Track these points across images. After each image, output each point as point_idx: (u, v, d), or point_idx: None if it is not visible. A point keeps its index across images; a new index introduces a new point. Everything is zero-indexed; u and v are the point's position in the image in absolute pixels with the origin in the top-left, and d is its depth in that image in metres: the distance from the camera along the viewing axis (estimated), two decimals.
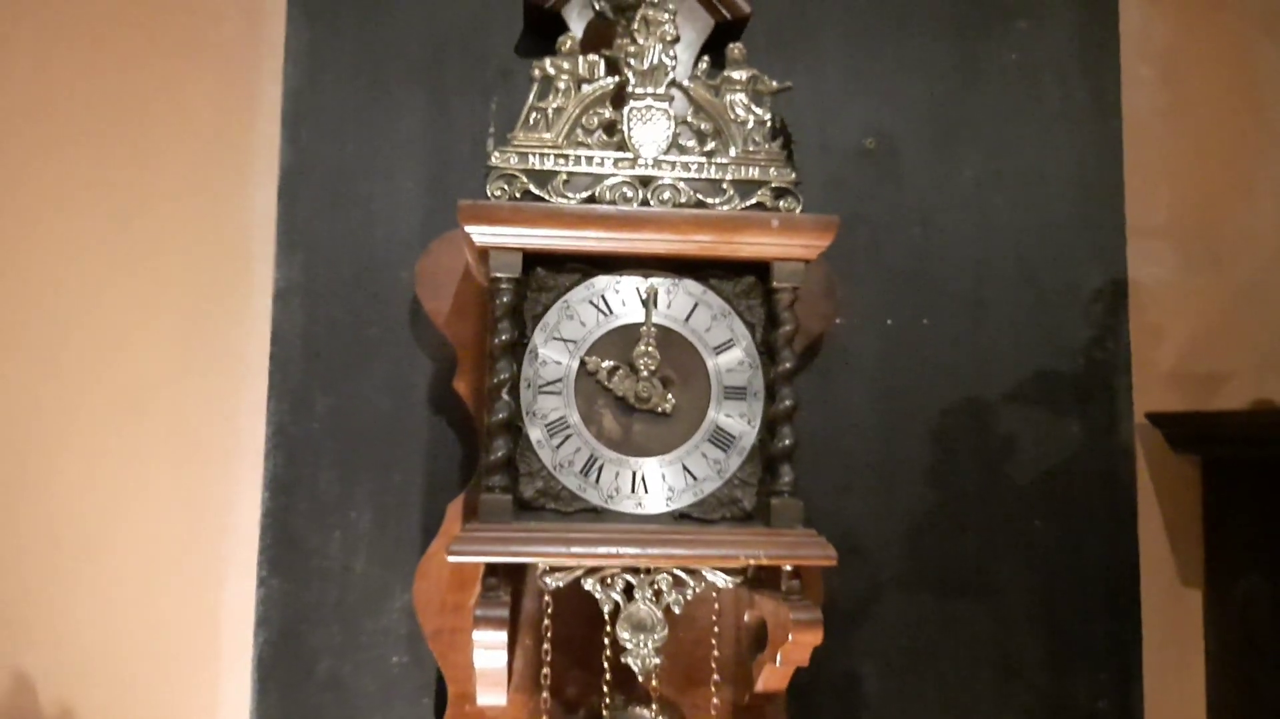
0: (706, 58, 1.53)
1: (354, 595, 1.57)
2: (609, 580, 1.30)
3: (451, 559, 1.25)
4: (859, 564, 1.64)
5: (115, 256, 1.60)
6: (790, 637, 1.29)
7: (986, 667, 1.65)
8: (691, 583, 1.30)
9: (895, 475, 1.67)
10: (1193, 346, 1.73)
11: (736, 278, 1.37)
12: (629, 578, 1.30)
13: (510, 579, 1.40)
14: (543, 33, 1.62)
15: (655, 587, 1.30)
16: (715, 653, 1.41)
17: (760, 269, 1.36)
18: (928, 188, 1.71)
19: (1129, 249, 1.73)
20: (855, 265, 1.68)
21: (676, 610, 1.30)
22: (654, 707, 1.40)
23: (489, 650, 1.27)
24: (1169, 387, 1.72)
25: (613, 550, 1.27)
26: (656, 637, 1.29)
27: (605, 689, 1.38)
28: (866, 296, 1.69)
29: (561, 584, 1.29)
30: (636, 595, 1.29)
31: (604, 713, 1.39)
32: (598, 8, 1.50)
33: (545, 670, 1.39)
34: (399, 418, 1.60)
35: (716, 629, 1.42)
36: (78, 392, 1.58)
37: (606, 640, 1.35)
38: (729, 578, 1.31)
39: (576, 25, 1.58)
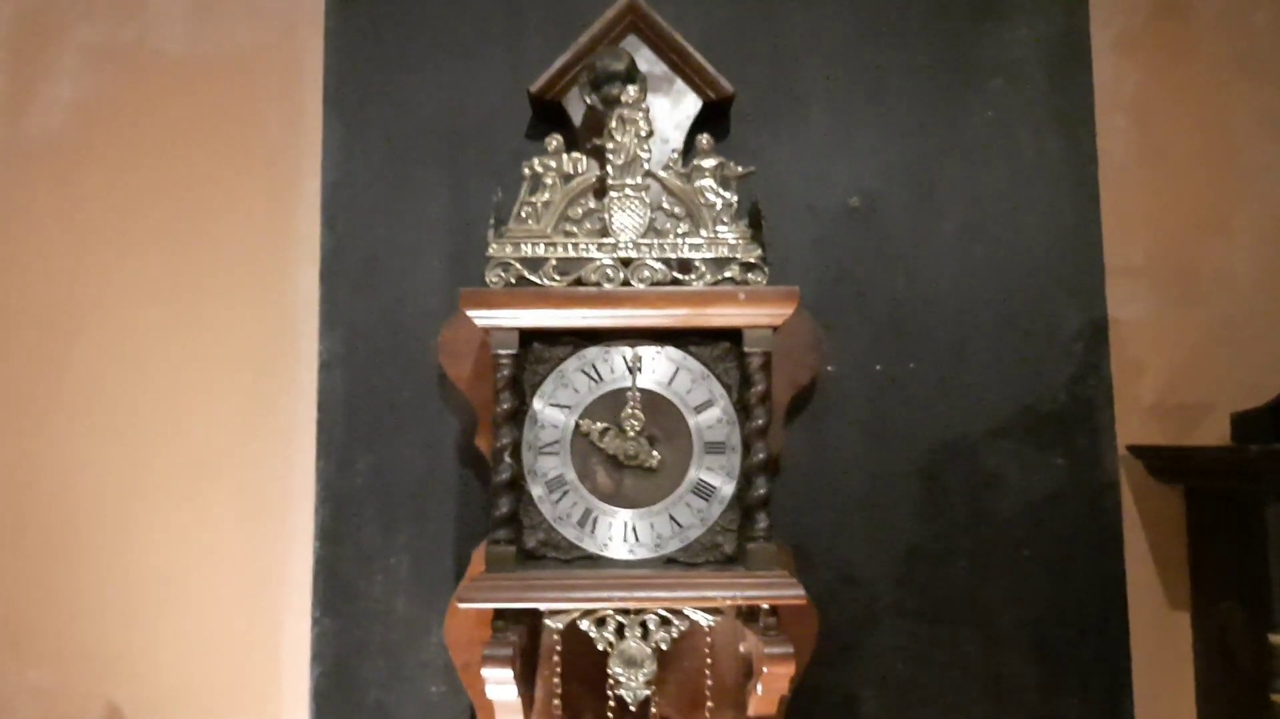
0: (678, 151, 1.67)
1: (396, 633, 1.76)
2: (603, 621, 1.46)
3: (461, 607, 1.43)
4: (855, 594, 1.77)
5: (182, 338, 1.82)
6: (765, 669, 1.43)
7: (979, 690, 1.76)
8: (676, 622, 1.46)
9: (888, 510, 1.80)
10: (1172, 381, 1.82)
11: (713, 344, 1.52)
12: (620, 618, 1.46)
13: (523, 619, 1.57)
14: (549, 119, 1.79)
15: (644, 626, 1.45)
16: (709, 682, 1.56)
17: (734, 336, 1.50)
18: (910, 241, 1.84)
19: (1108, 289, 1.83)
20: (844, 317, 1.82)
21: (664, 647, 1.46)
22: None
23: (498, 685, 1.45)
24: (1150, 420, 1.81)
25: (603, 594, 1.43)
26: (645, 671, 1.45)
27: (610, 717, 1.53)
28: (855, 345, 1.82)
29: (561, 625, 1.46)
30: (626, 634, 1.45)
31: None
32: (588, 101, 1.67)
33: (556, 701, 1.55)
34: (431, 473, 1.79)
35: (710, 660, 1.56)
36: (153, 458, 1.80)
37: (610, 678, 1.50)
38: (710, 617, 1.46)
39: (575, 113, 1.76)
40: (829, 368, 1.82)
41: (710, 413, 1.52)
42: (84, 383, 1.81)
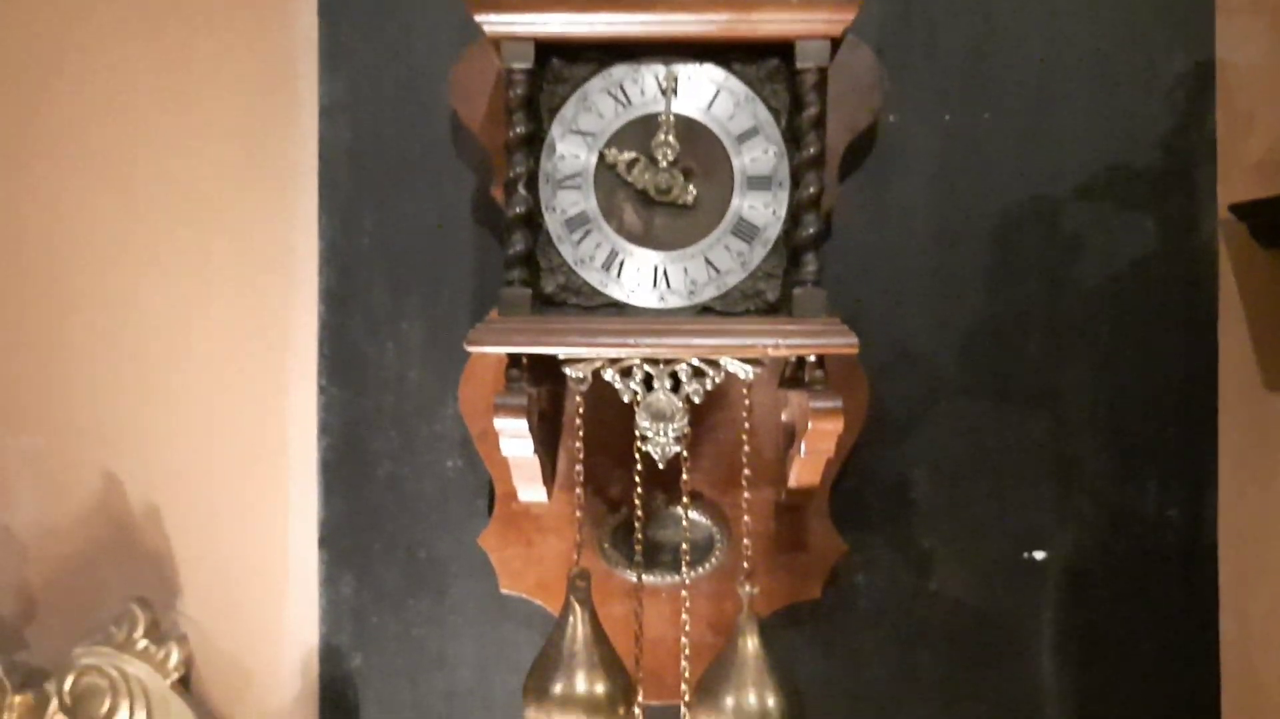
0: None
1: (409, 403, 1.63)
2: (629, 371, 1.30)
3: (469, 349, 1.28)
4: (911, 371, 1.60)
5: (170, 77, 1.65)
6: (810, 425, 1.27)
7: (1047, 475, 1.60)
8: (710, 373, 1.30)
9: (952, 280, 1.61)
10: None
11: (759, 61, 1.32)
12: (648, 368, 1.30)
13: (546, 380, 1.43)
14: None
15: (674, 377, 1.29)
16: (746, 448, 1.40)
17: (784, 51, 1.30)
18: None
19: (1218, 28, 1.58)
20: (910, 58, 1.59)
21: (696, 400, 1.30)
22: (685, 501, 1.41)
23: (513, 439, 1.31)
24: (1258, 178, 1.58)
25: (630, 341, 1.27)
26: (675, 425, 1.30)
27: (637, 481, 1.39)
28: (922, 92, 1.60)
29: (583, 376, 1.31)
30: (655, 385, 1.29)
31: (636, 504, 1.41)
32: None
33: (578, 468, 1.41)
34: (445, 229, 1.62)
35: (747, 425, 1.40)
36: (144, 208, 1.64)
37: (637, 434, 1.35)
38: (748, 369, 1.30)
39: None
40: (891, 118, 1.60)
41: (755, 142, 1.32)
42: (65, 125, 1.64)
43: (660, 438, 1.29)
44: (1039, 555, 1.59)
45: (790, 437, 1.47)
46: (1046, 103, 1.60)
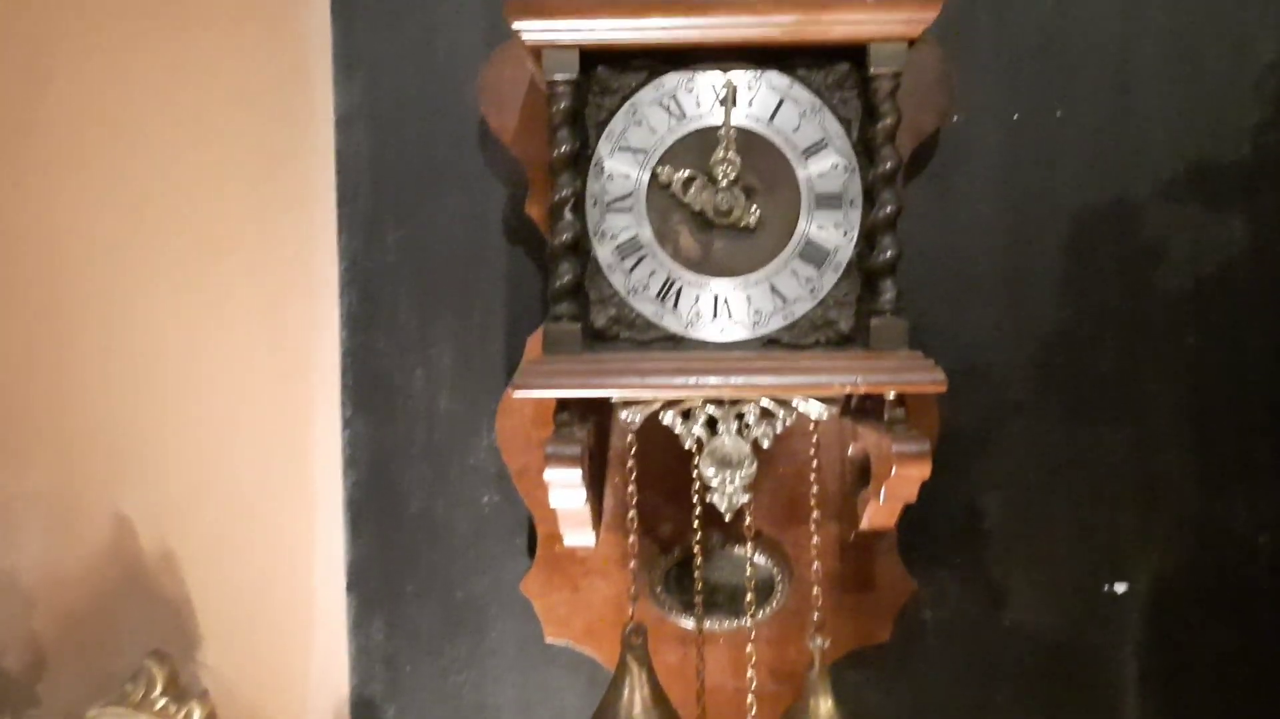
0: None
1: (440, 434, 1.51)
2: (690, 414, 1.19)
3: (516, 395, 1.17)
4: (979, 387, 1.49)
5: (173, 92, 1.51)
6: (894, 470, 1.16)
7: (1127, 496, 1.49)
8: (781, 414, 1.18)
9: (1023, 288, 1.49)
10: None
11: (828, 66, 1.19)
12: (712, 410, 1.18)
13: (592, 415, 1.31)
14: None
15: (742, 419, 1.18)
16: (815, 489, 1.29)
17: (855, 54, 1.17)
18: None
19: None
20: (976, 50, 1.47)
21: (765, 444, 1.19)
22: (749, 544, 1.30)
23: (564, 490, 1.19)
24: None
25: (692, 381, 1.16)
26: (744, 473, 1.18)
27: (696, 526, 1.28)
28: (989, 87, 1.47)
29: (639, 418, 1.19)
30: (720, 429, 1.18)
31: (695, 552, 1.30)
32: None
33: (632, 513, 1.30)
34: (475, 248, 1.50)
35: (815, 463, 1.29)
36: (150, 226, 1.50)
37: (695, 476, 1.24)
38: (823, 408, 1.18)
39: None
40: (954, 118, 1.47)
41: (823, 156, 1.20)
42: (62, 137, 1.50)
43: (727, 487, 1.18)
44: (1120, 588, 1.48)
45: (857, 469, 1.35)
46: (1124, 97, 1.48)
